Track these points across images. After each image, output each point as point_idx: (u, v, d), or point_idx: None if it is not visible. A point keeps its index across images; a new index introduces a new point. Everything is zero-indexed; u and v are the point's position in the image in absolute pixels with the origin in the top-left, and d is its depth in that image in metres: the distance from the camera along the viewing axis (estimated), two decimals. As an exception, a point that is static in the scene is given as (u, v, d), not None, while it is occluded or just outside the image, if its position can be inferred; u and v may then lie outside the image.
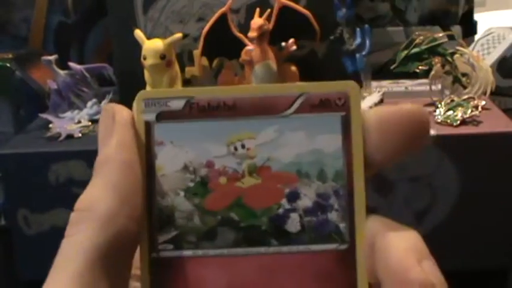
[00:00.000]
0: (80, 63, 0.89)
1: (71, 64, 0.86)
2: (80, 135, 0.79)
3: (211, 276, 0.23)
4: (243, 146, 0.24)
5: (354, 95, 0.23)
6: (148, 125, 0.23)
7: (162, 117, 0.23)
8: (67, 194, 0.74)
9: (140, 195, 0.23)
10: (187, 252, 0.23)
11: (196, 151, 0.23)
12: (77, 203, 0.23)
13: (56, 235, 0.81)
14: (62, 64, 0.87)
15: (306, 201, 0.23)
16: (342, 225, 0.23)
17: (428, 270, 0.21)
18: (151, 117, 0.24)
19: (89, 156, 0.74)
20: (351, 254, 0.23)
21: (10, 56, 0.94)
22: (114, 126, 0.23)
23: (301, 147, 0.23)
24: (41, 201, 0.75)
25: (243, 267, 0.23)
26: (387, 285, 0.21)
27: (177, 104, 0.23)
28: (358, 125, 0.23)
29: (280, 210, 0.23)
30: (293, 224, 0.23)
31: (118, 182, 0.23)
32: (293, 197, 0.24)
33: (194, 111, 0.23)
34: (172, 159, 0.24)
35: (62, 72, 0.85)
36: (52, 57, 0.84)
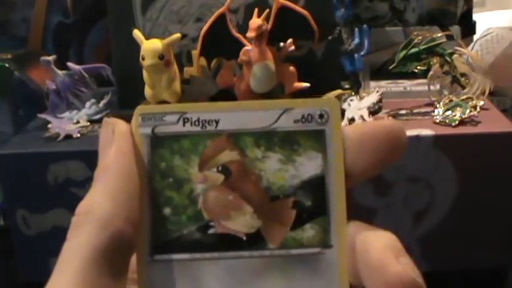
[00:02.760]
0: (78, 63, 0.89)
1: (70, 64, 0.86)
2: (79, 135, 0.79)
3: (205, 278, 0.25)
4: (225, 166, 0.26)
5: (334, 111, 0.25)
6: (144, 138, 0.26)
7: (157, 130, 0.26)
8: (66, 194, 0.74)
9: (137, 200, 0.25)
10: (183, 256, 0.25)
11: (189, 163, 0.26)
12: (77, 208, 0.24)
13: (55, 235, 0.81)
14: (61, 64, 0.87)
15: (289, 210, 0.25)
16: (324, 231, 0.25)
17: (406, 265, 0.22)
18: (147, 130, 0.26)
19: (87, 157, 0.74)
20: (333, 257, 0.25)
21: (9, 56, 0.94)
22: (113, 137, 0.26)
23: (286, 158, 0.25)
24: (39, 202, 0.75)
25: (234, 270, 0.25)
26: (369, 283, 0.23)
27: (172, 119, 0.26)
28: (338, 139, 0.25)
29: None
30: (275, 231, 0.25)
31: (116, 187, 0.24)
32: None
33: (187, 125, 0.26)
34: (167, 169, 0.26)
35: (60, 72, 0.85)
36: (51, 58, 0.84)
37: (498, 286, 0.81)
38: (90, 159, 0.74)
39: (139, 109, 0.26)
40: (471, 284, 0.80)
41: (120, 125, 0.26)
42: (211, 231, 0.25)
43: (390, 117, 0.80)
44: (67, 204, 0.75)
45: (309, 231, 0.25)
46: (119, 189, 0.24)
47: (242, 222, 0.25)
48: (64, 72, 0.86)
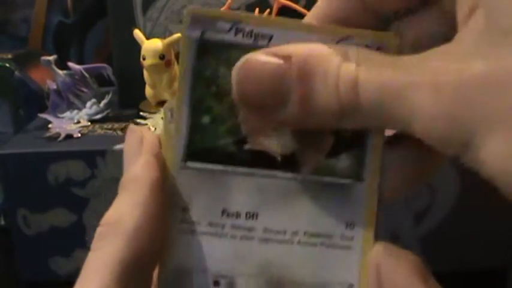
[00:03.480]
0: (79, 63, 0.89)
1: (70, 64, 0.86)
2: (79, 135, 0.79)
3: (233, 192, 0.25)
4: None
5: (393, 47, 0.24)
6: (192, 42, 0.24)
7: (206, 36, 0.24)
8: (66, 194, 0.74)
9: (163, 214, 0.24)
10: (215, 167, 0.25)
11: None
12: (104, 217, 0.24)
13: (56, 235, 0.80)
14: (62, 64, 0.87)
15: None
16: (358, 164, 0.25)
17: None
18: (196, 34, 0.24)
19: (88, 157, 0.74)
20: (363, 191, 0.25)
21: (9, 56, 0.94)
22: (142, 147, 0.25)
23: None
24: (40, 201, 0.75)
25: (263, 188, 0.25)
26: None
27: (224, 26, 0.24)
28: None
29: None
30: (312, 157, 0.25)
31: (145, 200, 0.24)
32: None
33: (239, 35, 0.24)
34: (211, 77, 0.24)
35: (61, 72, 0.85)
36: (51, 58, 0.84)
37: (498, 286, 0.81)
38: (90, 159, 0.74)
39: (190, 10, 0.24)
40: (471, 284, 0.80)
41: (149, 134, 0.26)
42: (247, 146, 0.25)
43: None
44: (68, 204, 0.75)
45: (343, 161, 0.25)
46: (147, 201, 0.24)
47: (279, 143, 0.25)
48: (65, 72, 0.86)
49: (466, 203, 0.75)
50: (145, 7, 0.88)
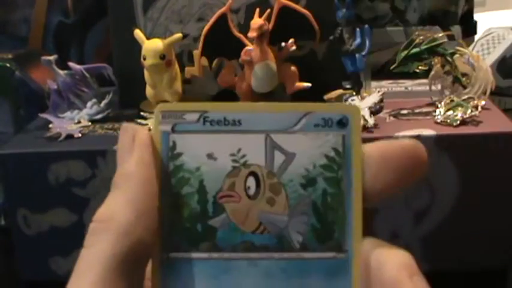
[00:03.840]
0: (79, 63, 0.89)
1: (71, 64, 0.86)
2: (80, 135, 0.79)
3: (218, 280, 0.25)
4: (247, 163, 0.26)
5: (355, 118, 0.25)
6: (164, 135, 0.26)
7: (177, 128, 0.26)
8: (67, 194, 0.74)
9: (156, 209, 0.25)
10: (197, 259, 0.25)
11: (208, 163, 0.25)
12: (96, 214, 0.24)
13: (56, 235, 0.80)
14: (62, 64, 0.87)
15: (305, 216, 0.25)
16: (340, 238, 0.25)
17: (419, 284, 0.23)
18: (167, 128, 0.26)
19: (88, 157, 0.74)
20: (347, 264, 0.25)
21: (10, 56, 0.94)
22: (134, 144, 0.25)
23: (305, 162, 0.25)
24: (40, 201, 0.75)
25: (246, 272, 0.25)
26: None
27: (192, 117, 0.26)
28: (358, 147, 0.25)
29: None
30: (294, 235, 0.25)
31: (136, 196, 0.24)
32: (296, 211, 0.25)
33: (207, 124, 0.25)
34: (186, 170, 0.25)
35: (61, 72, 0.85)
36: (52, 57, 0.84)
37: (498, 286, 0.81)
38: (91, 159, 0.74)
39: (160, 106, 0.26)
40: (471, 284, 0.80)
41: (141, 132, 0.26)
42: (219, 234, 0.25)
43: (392, 117, 0.80)
44: (68, 204, 0.75)
45: (325, 236, 0.25)
46: (139, 198, 0.24)
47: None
48: (65, 72, 0.86)
49: (466, 203, 0.75)
50: (146, 7, 0.88)
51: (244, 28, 0.82)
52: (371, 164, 0.25)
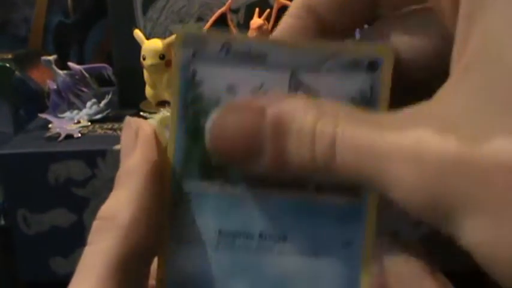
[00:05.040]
0: (79, 63, 0.89)
1: (71, 64, 0.86)
2: (80, 135, 0.79)
3: (228, 214, 0.24)
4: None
5: (387, 61, 0.24)
6: (184, 60, 0.24)
7: (198, 55, 0.24)
8: (66, 194, 0.74)
9: (160, 207, 0.24)
10: (209, 193, 0.24)
11: (227, 97, 0.24)
12: (100, 211, 0.24)
13: (56, 235, 0.80)
14: (62, 64, 0.87)
15: None
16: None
17: (441, 279, 0.23)
18: (188, 53, 0.24)
19: (88, 156, 0.74)
20: (361, 211, 0.24)
21: (10, 56, 0.94)
22: (138, 140, 0.25)
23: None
24: (40, 201, 0.75)
25: (258, 207, 0.24)
26: None
27: (215, 47, 0.24)
28: (386, 92, 0.24)
29: None
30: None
31: (141, 193, 0.24)
32: None
33: (230, 55, 0.24)
34: (205, 101, 0.24)
35: (61, 72, 0.85)
36: (52, 57, 0.84)
37: (498, 286, 0.81)
38: (91, 159, 0.74)
39: (183, 29, 0.25)
40: (471, 284, 0.80)
41: (144, 127, 0.25)
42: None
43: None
44: (68, 204, 0.75)
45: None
46: (143, 195, 0.24)
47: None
48: (65, 72, 0.86)
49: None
50: (146, 7, 0.88)
51: (244, 28, 0.82)
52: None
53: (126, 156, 0.25)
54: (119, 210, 0.23)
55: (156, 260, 0.25)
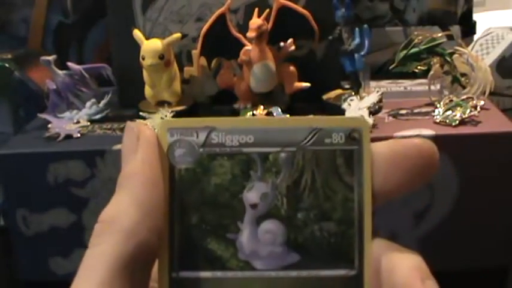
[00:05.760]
0: (79, 63, 0.89)
1: (70, 64, 0.86)
2: (79, 135, 0.79)
3: None
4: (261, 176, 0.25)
5: (365, 131, 0.25)
6: (170, 150, 0.25)
7: (182, 144, 0.25)
8: (66, 194, 0.74)
9: (162, 211, 0.24)
10: (206, 274, 0.25)
11: (217, 181, 0.25)
12: (102, 214, 0.24)
13: (55, 235, 0.80)
14: (61, 64, 0.87)
15: (316, 230, 0.25)
16: (351, 253, 0.25)
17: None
18: (173, 141, 0.25)
19: (87, 157, 0.74)
20: (359, 279, 0.25)
21: (9, 56, 0.94)
22: (139, 144, 0.25)
23: (316, 177, 0.25)
24: (39, 202, 0.75)
25: None
26: None
27: (201, 134, 0.25)
28: (368, 160, 0.24)
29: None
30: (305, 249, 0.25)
31: (142, 196, 0.24)
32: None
33: (215, 142, 0.25)
34: (192, 185, 0.25)
35: (60, 72, 0.85)
36: (51, 58, 0.84)
37: (498, 286, 0.81)
38: (90, 159, 0.74)
39: (166, 122, 0.26)
40: (471, 284, 0.80)
41: (146, 131, 0.25)
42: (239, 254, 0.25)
43: (391, 117, 0.80)
44: (67, 204, 0.75)
45: (336, 251, 0.25)
46: (144, 198, 0.24)
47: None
48: (64, 72, 0.86)
49: (465, 202, 0.75)
50: (145, 7, 0.88)
51: (243, 28, 0.82)
52: (381, 164, 0.24)
53: (128, 160, 0.25)
54: (120, 213, 0.24)
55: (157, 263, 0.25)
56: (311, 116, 0.25)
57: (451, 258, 0.77)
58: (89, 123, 0.83)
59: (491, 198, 0.75)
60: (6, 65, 0.92)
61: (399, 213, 0.75)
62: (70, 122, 0.82)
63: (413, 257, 0.23)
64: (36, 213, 0.75)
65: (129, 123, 0.26)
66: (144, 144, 0.25)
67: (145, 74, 0.83)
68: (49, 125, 0.80)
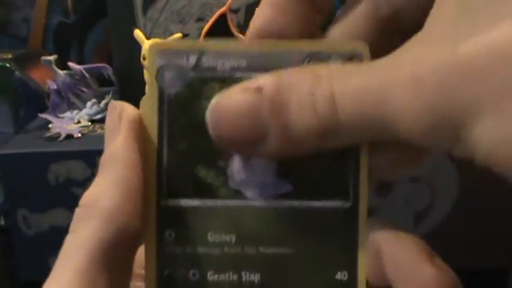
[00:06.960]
0: (79, 63, 0.89)
1: (71, 64, 0.86)
2: (80, 135, 0.79)
3: (219, 228, 0.24)
4: None
5: (365, 55, 0.24)
6: (159, 73, 0.24)
7: (172, 67, 0.24)
8: (66, 194, 0.74)
9: (143, 193, 0.23)
10: (195, 202, 0.24)
11: (208, 106, 0.24)
12: (82, 198, 0.23)
13: (56, 235, 0.80)
14: (62, 64, 0.87)
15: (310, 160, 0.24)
16: (346, 185, 0.24)
17: (441, 266, 0.22)
18: (162, 64, 0.24)
19: (88, 156, 0.74)
20: (354, 212, 0.24)
21: (9, 56, 0.94)
22: (121, 124, 0.24)
23: None
24: (40, 201, 0.75)
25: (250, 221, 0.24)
26: (402, 285, 0.22)
27: (191, 57, 0.24)
28: None
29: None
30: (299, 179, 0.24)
31: (122, 179, 0.23)
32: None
33: (206, 65, 0.24)
34: (182, 110, 0.24)
35: (61, 72, 0.85)
36: (52, 57, 0.84)
37: (498, 286, 0.81)
38: (91, 159, 0.74)
39: (155, 44, 0.24)
40: (471, 284, 0.80)
41: (128, 110, 0.25)
42: (229, 180, 0.24)
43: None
44: (68, 204, 0.75)
45: (332, 182, 0.24)
46: (125, 181, 0.23)
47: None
48: (65, 72, 0.86)
49: (466, 203, 0.75)
50: (146, 7, 0.88)
51: (244, 28, 0.82)
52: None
53: (109, 141, 0.24)
54: (99, 197, 0.23)
55: (142, 248, 0.24)
56: (307, 40, 0.24)
57: (451, 258, 0.77)
58: (89, 123, 0.83)
59: (491, 199, 0.75)
60: (7, 65, 0.92)
61: (399, 213, 0.75)
62: (71, 122, 0.82)
63: (414, 237, 0.23)
64: (37, 213, 0.75)
65: (112, 102, 0.25)
66: (126, 123, 0.24)
67: (146, 73, 0.83)
68: (50, 125, 0.80)
